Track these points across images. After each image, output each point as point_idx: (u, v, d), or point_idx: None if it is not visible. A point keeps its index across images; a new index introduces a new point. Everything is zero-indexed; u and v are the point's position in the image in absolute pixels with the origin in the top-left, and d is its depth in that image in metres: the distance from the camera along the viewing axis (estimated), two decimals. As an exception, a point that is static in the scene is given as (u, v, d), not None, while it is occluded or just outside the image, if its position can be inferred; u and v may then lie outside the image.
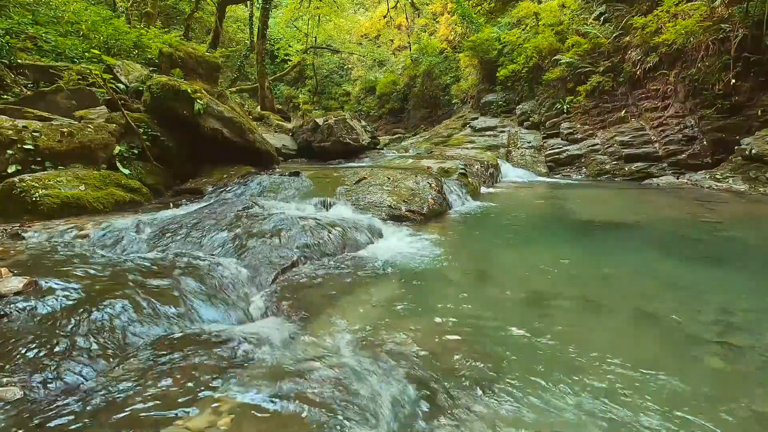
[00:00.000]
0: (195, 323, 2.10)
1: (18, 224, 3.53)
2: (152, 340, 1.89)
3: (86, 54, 8.55)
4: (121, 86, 6.34)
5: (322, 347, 1.93)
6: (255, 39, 16.91)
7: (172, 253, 2.95)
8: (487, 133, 12.33)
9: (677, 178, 8.33)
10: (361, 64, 22.61)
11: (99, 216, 4.02)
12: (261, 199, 4.72)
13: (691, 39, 8.09)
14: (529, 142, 11.24)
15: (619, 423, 1.49)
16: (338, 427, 1.38)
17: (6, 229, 3.32)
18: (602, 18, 10.64)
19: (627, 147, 9.23)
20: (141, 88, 6.10)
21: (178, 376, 1.61)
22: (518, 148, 11.23)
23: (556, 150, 10.34)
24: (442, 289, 2.78)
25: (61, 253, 2.72)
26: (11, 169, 4.18)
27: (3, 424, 1.30)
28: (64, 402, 1.44)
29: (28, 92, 7.06)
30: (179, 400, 1.47)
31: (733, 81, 7.64)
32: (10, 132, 4.31)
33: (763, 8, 7.15)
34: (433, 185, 5.43)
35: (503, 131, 12.13)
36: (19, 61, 7.62)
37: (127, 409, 1.40)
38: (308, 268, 3.06)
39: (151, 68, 8.28)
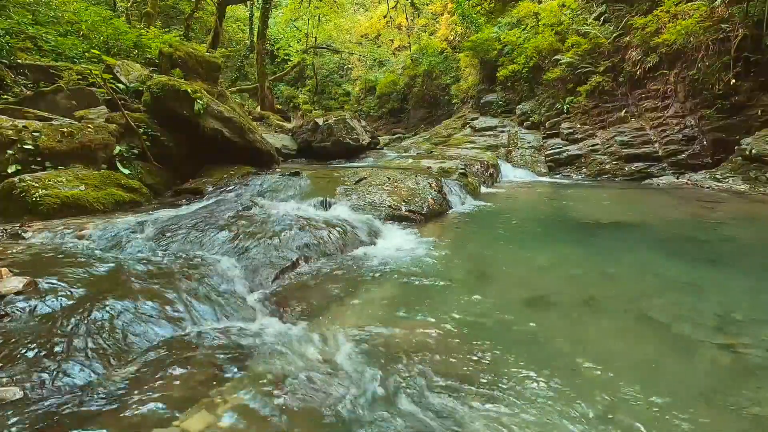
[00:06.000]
0: (195, 323, 2.10)
1: (18, 224, 3.53)
2: (152, 340, 1.89)
3: (86, 54, 8.55)
4: (121, 86, 6.34)
5: (322, 347, 1.93)
6: (255, 39, 16.92)
7: (172, 253, 2.95)
8: (487, 133, 12.32)
9: (677, 178, 8.32)
10: (361, 64, 22.60)
11: (99, 216, 4.02)
12: (261, 199, 4.72)
13: (691, 39, 8.08)
14: (529, 142, 11.24)
15: (619, 423, 1.49)
16: (338, 427, 1.38)
17: (6, 229, 3.32)
18: (602, 18, 10.63)
19: (627, 147, 9.23)
20: (141, 88, 6.09)
21: (178, 376, 1.61)
22: (518, 148, 11.23)
23: (556, 150, 10.34)
24: (441, 289, 2.78)
25: (61, 253, 2.72)
26: (11, 169, 4.17)
27: (3, 424, 1.30)
28: (64, 402, 1.44)
29: (28, 92, 7.06)
30: (179, 400, 1.47)
31: (733, 81, 7.63)
32: (10, 132, 4.31)
33: (763, 8, 7.15)
34: (433, 185, 5.43)
35: (503, 131, 12.13)
36: (19, 61, 7.62)
37: (127, 409, 1.40)
38: (308, 268, 3.06)
39: (151, 68, 8.27)
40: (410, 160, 8.21)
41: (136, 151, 5.31)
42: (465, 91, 15.00)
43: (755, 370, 1.85)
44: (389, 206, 4.71)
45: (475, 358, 1.89)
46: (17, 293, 1.96)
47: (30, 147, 4.34)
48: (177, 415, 1.39)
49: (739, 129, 7.77)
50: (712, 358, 1.94)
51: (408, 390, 1.63)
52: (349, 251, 3.51)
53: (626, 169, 9.09)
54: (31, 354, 1.63)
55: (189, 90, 5.53)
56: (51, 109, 6.30)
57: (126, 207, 4.53)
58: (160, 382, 1.57)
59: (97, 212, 4.18)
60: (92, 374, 1.62)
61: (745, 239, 4.10)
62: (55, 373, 1.57)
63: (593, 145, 9.82)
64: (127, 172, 4.97)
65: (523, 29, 12.72)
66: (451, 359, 1.87)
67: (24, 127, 4.43)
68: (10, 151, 4.24)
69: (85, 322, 1.84)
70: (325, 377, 1.66)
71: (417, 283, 2.86)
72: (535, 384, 1.71)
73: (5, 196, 3.87)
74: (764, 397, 1.65)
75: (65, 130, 4.69)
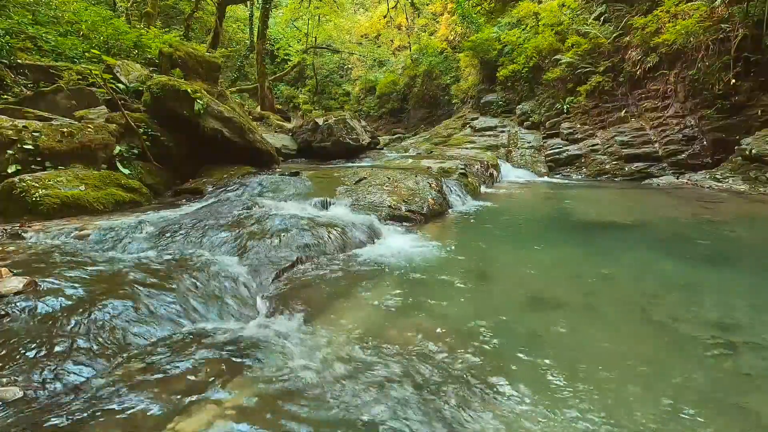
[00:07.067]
0: (195, 323, 2.10)
1: (18, 224, 3.53)
2: (152, 340, 1.89)
3: (86, 54, 8.55)
4: (121, 86, 6.33)
5: (321, 347, 1.93)
6: (255, 39, 16.92)
7: (172, 253, 2.95)
8: (487, 133, 12.32)
9: (677, 178, 8.32)
10: (361, 64, 22.59)
11: (99, 216, 4.02)
12: (261, 199, 4.72)
13: (691, 39, 8.08)
14: (529, 142, 11.24)
15: (619, 423, 1.49)
16: (337, 425, 1.38)
17: (6, 229, 3.32)
18: (602, 18, 10.63)
19: (627, 147, 9.23)
20: (141, 88, 6.09)
21: (179, 375, 1.61)
22: (518, 148, 11.23)
23: (556, 150, 10.34)
24: (441, 289, 2.78)
25: (61, 253, 2.72)
26: (11, 169, 4.17)
27: (3, 424, 1.30)
28: (64, 402, 1.44)
29: (28, 92, 7.06)
30: (180, 399, 1.47)
31: (733, 81, 7.63)
32: (10, 132, 4.31)
33: (763, 8, 7.15)
34: (433, 185, 5.43)
35: (503, 131, 12.12)
36: (19, 61, 7.63)
37: (127, 409, 1.41)
38: (308, 268, 3.06)
39: (151, 68, 8.27)
40: (410, 160, 8.22)
41: (136, 151, 5.31)
42: (465, 91, 14.99)
43: (756, 370, 1.85)
44: (389, 206, 4.71)
45: (474, 358, 1.89)
46: (17, 293, 1.96)
47: (30, 147, 4.34)
48: (178, 414, 1.39)
49: (739, 129, 7.77)
50: (712, 359, 1.94)
51: (406, 389, 1.63)
52: (349, 251, 3.51)
53: (626, 169, 9.09)
54: (31, 354, 1.63)
55: (189, 90, 5.53)
56: (51, 109, 6.31)
57: (126, 207, 4.53)
58: (161, 381, 1.57)
59: (97, 212, 4.18)
60: (92, 374, 1.62)
61: (745, 239, 4.10)
62: (55, 372, 1.57)
63: (593, 145, 9.82)
64: (127, 172, 4.97)
65: (523, 29, 12.71)
66: (450, 359, 1.87)
67: (24, 127, 4.43)
68: (10, 151, 4.24)
69: (86, 321, 1.84)
70: (325, 376, 1.66)
71: (417, 282, 2.86)
72: (535, 384, 1.71)
73: (5, 196, 3.87)
74: (765, 398, 1.65)
75: (65, 130, 4.69)
